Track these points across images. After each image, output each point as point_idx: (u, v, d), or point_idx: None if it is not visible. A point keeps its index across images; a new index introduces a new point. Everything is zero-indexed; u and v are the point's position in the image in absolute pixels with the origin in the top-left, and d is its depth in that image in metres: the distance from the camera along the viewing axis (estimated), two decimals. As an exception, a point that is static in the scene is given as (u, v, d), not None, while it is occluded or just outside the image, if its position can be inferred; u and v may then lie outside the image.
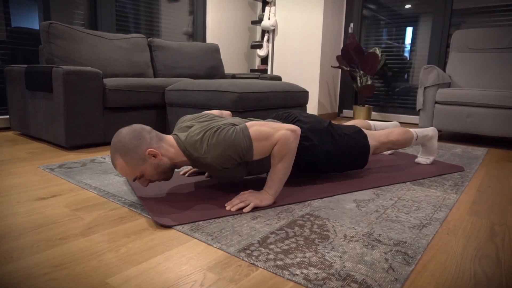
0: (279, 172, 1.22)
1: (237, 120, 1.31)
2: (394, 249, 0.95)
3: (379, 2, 4.03)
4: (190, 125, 1.31)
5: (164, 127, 2.59)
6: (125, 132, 1.19)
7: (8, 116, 2.78)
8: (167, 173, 1.25)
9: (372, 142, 1.60)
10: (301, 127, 1.47)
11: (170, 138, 1.27)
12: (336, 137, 1.52)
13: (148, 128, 1.24)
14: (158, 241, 0.98)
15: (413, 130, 1.77)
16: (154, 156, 1.19)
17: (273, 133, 1.20)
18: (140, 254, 0.91)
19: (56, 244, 0.95)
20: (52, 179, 1.52)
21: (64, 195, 1.33)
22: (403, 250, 0.95)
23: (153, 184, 1.44)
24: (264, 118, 2.13)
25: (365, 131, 1.63)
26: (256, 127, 1.21)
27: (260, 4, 4.72)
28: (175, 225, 1.07)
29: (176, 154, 1.25)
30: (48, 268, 0.83)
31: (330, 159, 1.49)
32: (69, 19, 3.06)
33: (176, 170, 1.70)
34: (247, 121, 1.30)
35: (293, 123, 1.49)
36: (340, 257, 0.90)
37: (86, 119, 2.13)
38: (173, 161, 1.25)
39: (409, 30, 3.88)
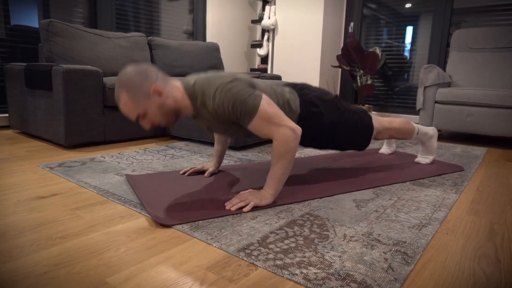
0: (279, 172, 1.22)
1: (252, 82, 1.28)
2: (393, 249, 0.96)
3: (379, 1, 4.02)
4: (199, 74, 1.31)
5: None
6: (132, 68, 1.18)
7: (7, 115, 2.77)
8: (170, 116, 1.24)
9: (375, 124, 1.61)
10: (308, 94, 1.47)
11: (176, 81, 1.27)
12: (342, 110, 1.51)
13: (155, 67, 1.23)
14: (158, 240, 0.98)
15: (415, 125, 1.78)
16: (159, 94, 1.18)
17: (275, 122, 1.19)
18: (140, 253, 0.91)
19: (56, 243, 0.95)
20: (52, 178, 1.52)
21: (64, 194, 1.33)
22: (402, 250, 0.95)
23: (153, 183, 1.44)
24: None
25: (370, 113, 1.64)
26: (266, 104, 1.19)
27: (260, 3, 4.71)
28: (174, 224, 1.07)
29: (181, 98, 1.24)
30: (48, 267, 0.83)
31: (334, 130, 1.49)
32: (68, 17, 3.05)
33: (176, 169, 1.70)
34: (260, 92, 1.26)
35: (301, 90, 1.49)
36: (340, 256, 0.91)
37: (86, 118, 2.13)
38: (177, 104, 1.24)
39: (409, 30, 3.88)
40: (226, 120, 1.23)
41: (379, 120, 1.64)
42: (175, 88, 1.24)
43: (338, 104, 1.51)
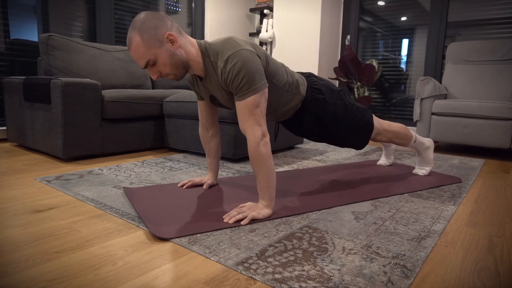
0: (264, 181, 1.23)
1: (268, 58, 1.32)
2: (392, 262, 0.95)
3: (375, 15, 4.08)
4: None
5: (162, 138, 2.59)
6: (148, 12, 1.18)
7: (5, 128, 2.77)
8: (179, 68, 1.23)
9: (376, 124, 1.62)
10: (315, 81, 1.50)
11: (190, 38, 1.27)
12: (346, 103, 1.53)
13: (171, 18, 1.23)
14: (156, 254, 0.97)
15: (413, 132, 1.79)
16: (172, 42, 1.18)
17: (255, 119, 1.19)
18: (138, 267, 0.90)
19: (52, 258, 0.94)
20: (49, 191, 1.51)
21: (61, 207, 1.33)
22: (401, 263, 0.95)
23: (151, 196, 1.43)
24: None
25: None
26: (262, 98, 1.20)
27: (258, 17, 4.77)
28: (172, 238, 1.06)
29: (194, 53, 1.24)
30: (44, 282, 0.82)
31: (335, 120, 1.49)
32: (68, 31, 3.08)
33: (174, 181, 1.69)
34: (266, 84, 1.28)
35: (307, 78, 1.52)
36: (339, 270, 0.90)
37: (84, 130, 2.13)
38: (189, 58, 1.24)
39: (405, 42, 3.93)
40: (226, 88, 1.23)
41: (379, 121, 1.66)
42: (189, 42, 1.25)
43: (343, 97, 1.53)
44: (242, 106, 1.20)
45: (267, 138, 1.23)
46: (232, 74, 1.18)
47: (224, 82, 1.22)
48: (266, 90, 1.23)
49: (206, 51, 1.24)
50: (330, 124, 1.49)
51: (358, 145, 1.60)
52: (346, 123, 1.51)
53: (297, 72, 1.56)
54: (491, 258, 1.00)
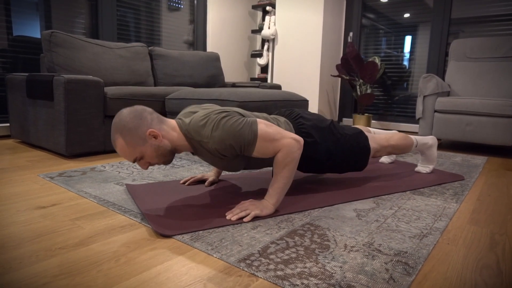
0: (281, 181, 1.22)
1: (243, 112, 1.30)
2: (394, 259, 0.95)
3: (378, 12, 4.07)
4: (195, 111, 1.32)
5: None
6: (126, 112, 1.19)
7: (8, 124, 2.78)
8: (167, 156, 1.24)
9: (372, 144, 1.61)
10: (303, 124, 1.48)
11: (172, 121, 1.28)
12: (338, 136, 1.52)
13: (149, 109, 1.24)
14: (158, 251, 0.98)
15: (413, 137, 1.78)
16: (155, 137, 1.19)
17: (278, 138, 1.20)
18: (140, 264, 0.90)
19: (55, 254, 0.94)
20: (52, 188, 1.52)
21: (64, 204, 1.33)
22: (403, 260, 0.95)
23: (153, 192, 1.44)
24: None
25: (366, 133, 1.64)
26: (264, 126, 1.21)
27: (260, 14, 4.76)
28: (175, 235, 1.06)
29: (177, 137, 1.25)
30: (48, 278, 0.83)
31: (330, 157, 1.49)
32: (70, 28, 3.08)
33: (176, 178, 1.70)
34: (253, 117, 1.29)
35: (295, 120, 1.50)
36: (341, 267, 0.90)
37: (87, 127, 2.13)
38: (174, 144, 1.25)
39: (408, 39, 3.91)
40: (228, 155, 1.23)
41: (376, 139, 1.64)
42: (170, 129, 1.25)
43: (333, 131, 1.52)
44: (260, 151, 1.21)
45: (302, 141, 1.23)
46: (228, 145, 1.18)
47: (224, 152, 1.21)
48: (259, 119, 1.23)
49: (188, 132, 1.23)
50: (326, 161, 1.50)
51: (358, 169, 1.60)
52: (342, 156, 1.52)
53: (284, 113, 1.55)
54: (493, 256, 1.00)
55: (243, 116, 1.24)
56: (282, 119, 1.47)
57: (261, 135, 1.19)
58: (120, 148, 1.18)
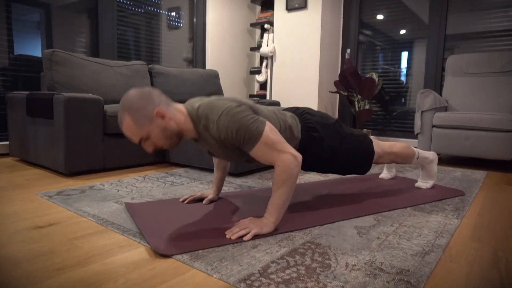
0: (280, 199, 1.22)
1: (256, 107, 1.30)
2: (396, 278, 0.94)
3: (374, 28, 4.13)
4: (203, 98, 1.32)
5: (164, 152, 2.60)
6: (135, 92, 1.19)
7: (7, 142, 2.78)
8: (173, 138, 1.24)
9: (376, 149, 1.61)
10: (309, 119, 1.48)
11: (179, 105, 1.29)
12: (343, 134, 1.52)
13: (158, 91, 1.24)
14: (157, 271, 0.96)
15: (415, 149, 1.79)
16: (162, 117, 1.19)
17: (278, 149, 1.20)
18: (139, 285, 0.89)
19: (53, 275, 0.93)
20: (50, 207, 1.51)
21: (62, 223, 1.32)
22: (405, 279, 0.94)
23: (152, 211, 1.42)
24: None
25: (370, 137, 1.64)
26: (270, 131, 1.21)
27: (258, 31, 4.83)
28: (174, 254, 1.05)
29: (184, 121, 1.25)
30: (45, 301, 0.81)
31: (334, 156, 1.49)
32: (71, 46, 3.12)
33: (175, 196, 1.69)
34: (264, 117, 1.29)
35: (301, 115, 1.50)
36: (342, 287, 0.89)
37: (86, 145, 2.13)
38: (180, 127, 1.25)
39: (404, 55, 3.96)
40: (228, 145, 1.23)
41: (380, 144, 1.65)
42: (178, 111, 1.26)
43: (338, 129, 1.53)
44: (257, 153, 1.21)
45: (300, 158, 1.22)
46: (230, 134, 1.19)
47: (225, 140, 1.22)
48: (268, 122, 1.24)
49: (196, 117, 1.25)
50: (330, 159, 1.50)
51: (361, 172, 1.60)
52: (346, 156, 1.52)
53: (291, 109, 1.56)
54: (496, 273, 0.99)
55: (255, 114, 1.24)
56: (288, 113, 1.48)
57: (264, 137, 1.19)
58: (126, 127, 1.18)
